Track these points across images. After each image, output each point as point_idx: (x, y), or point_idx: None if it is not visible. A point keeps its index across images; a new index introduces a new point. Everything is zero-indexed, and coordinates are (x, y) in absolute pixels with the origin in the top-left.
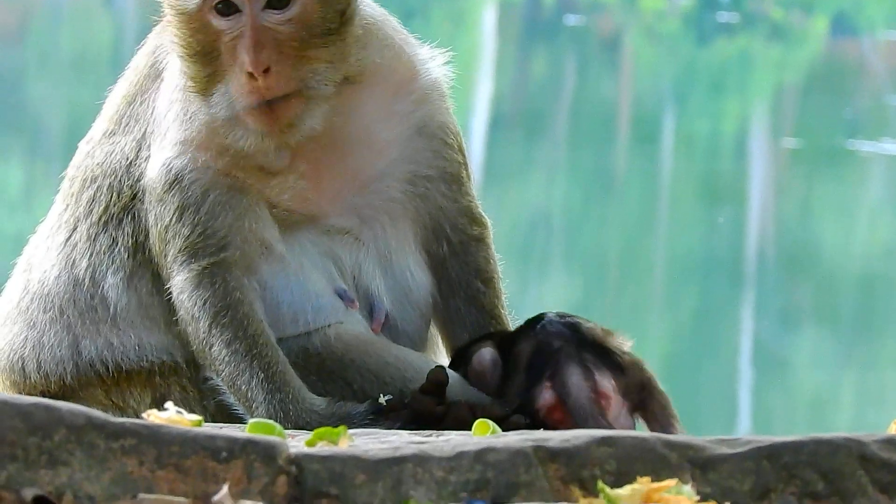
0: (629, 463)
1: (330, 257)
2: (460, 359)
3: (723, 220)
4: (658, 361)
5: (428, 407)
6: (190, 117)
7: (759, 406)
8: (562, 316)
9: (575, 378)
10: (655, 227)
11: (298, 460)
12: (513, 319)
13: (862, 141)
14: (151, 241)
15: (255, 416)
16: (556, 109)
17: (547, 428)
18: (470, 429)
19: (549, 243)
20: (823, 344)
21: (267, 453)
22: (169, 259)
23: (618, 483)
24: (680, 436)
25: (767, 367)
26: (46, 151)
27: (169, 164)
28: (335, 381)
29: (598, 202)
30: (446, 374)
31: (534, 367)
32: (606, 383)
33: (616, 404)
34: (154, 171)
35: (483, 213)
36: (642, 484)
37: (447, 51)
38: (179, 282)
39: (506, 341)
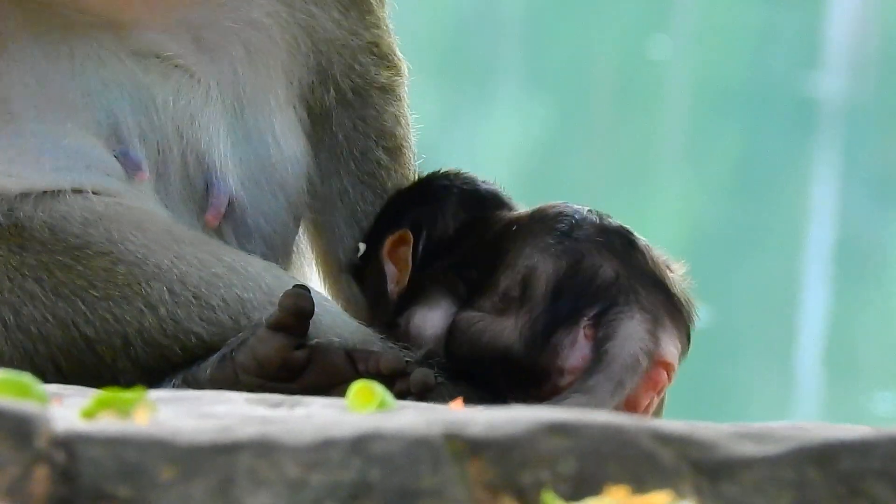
0: (597, 463)
1: (130, 92)
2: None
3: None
4: (679, 243)
5: (280, 352)
6: None
7: (838, 317)
8: (597, 215)
9: (633, 335)
10: (673, 30)
11: (69, 442)
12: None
13: None
14: None
15: None
16: None
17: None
18: (345, 391)
19: (505, 53)
20: None
21: (17, 429)
22: None
23: (578, 493)
24: (678, 424)
25: (850, 260)
26: None
27: None
28: (130, 302)
29: None
30: (311, 298)
31: (561, 300)
32: (673, 349)
33: (667, 379)
34: None
35: (397, 52)
36: (616, 497)
37: None
38: None
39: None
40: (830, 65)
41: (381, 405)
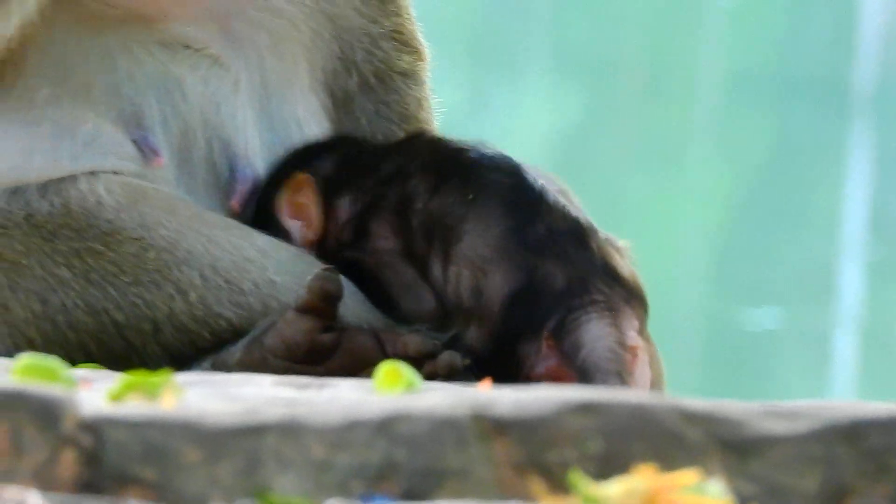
0: (624, 442)
1: (157, 83)
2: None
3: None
4: (712, 228)
5: (308, 335)
6: None
7: (874, 300)
8: (548, 199)
9: (599, 335)
10: (705, 14)
11: (96, 426)
12: None
13: None
14: None
15: None
16: None
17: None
18: (373, 373)
19: (534, 37)
20: None
21: (44, 412)
22: None
23: (605, 473)
24: (706, 403)
25: (885, 244)
26: None
27: None
28: (160, 287)
29: None
30: (339, 281)
31: (518, 312)
32: (632, 332)
33: (642, 357)
34: None
35: (419, 38)
36: (643, 476)
37: None
38: None
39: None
40: (864, 49)
41: (409, 387)
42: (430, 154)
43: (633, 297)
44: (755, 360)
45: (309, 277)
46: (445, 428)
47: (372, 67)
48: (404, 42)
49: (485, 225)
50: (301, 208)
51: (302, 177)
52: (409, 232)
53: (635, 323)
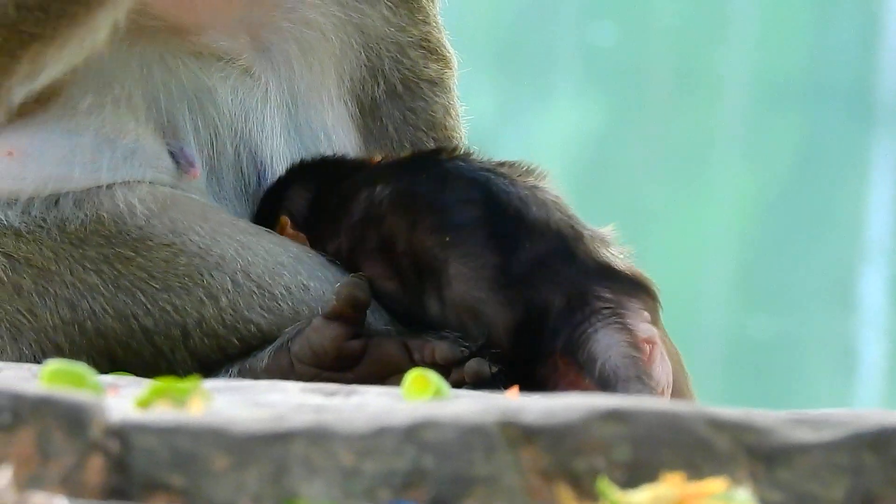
0: (652, 449)
1: (190, 94)
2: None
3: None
4: (737, 235)
5: (335, 341)
6: None
7: None
8: (527, 224)
9: (610, 343)
10: (730, 22)
11: (124, 432)
12: None
13: None
14: None
15: None
16: None
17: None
18: (400, 380)
19: (556, 45)
20: None
21: (71, 418)
22: None
23: (633, 481)
24: (734, 411)
25: None
26: None
27: None
28: (190, 292)
29: None
30: (367, 288)
31: (526, 341)
32: (646, 326)
33: (659, 346)
34: None
35: (447, 45)
36: (671, 484)
37: None
38: None
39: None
40: (889, 57)
41: (437, 394)
42: (393, 192)
43: (635, 289)
44: (779, 367)
45: (337, 284)
46: (473, 435)
47: (399, 75)
48: (432, 50)
49: (469, 268)
50: (297, 242)
51: (283, 219)
52: (401, 273)
53: (645, 314)
